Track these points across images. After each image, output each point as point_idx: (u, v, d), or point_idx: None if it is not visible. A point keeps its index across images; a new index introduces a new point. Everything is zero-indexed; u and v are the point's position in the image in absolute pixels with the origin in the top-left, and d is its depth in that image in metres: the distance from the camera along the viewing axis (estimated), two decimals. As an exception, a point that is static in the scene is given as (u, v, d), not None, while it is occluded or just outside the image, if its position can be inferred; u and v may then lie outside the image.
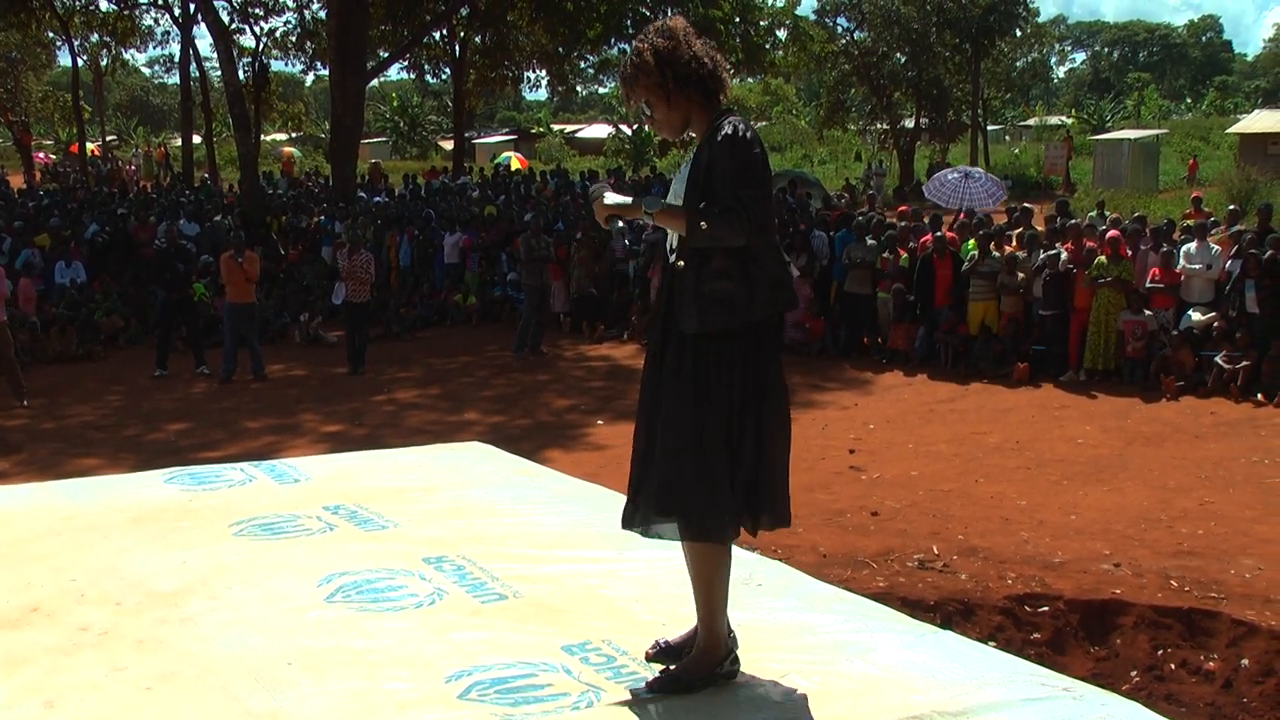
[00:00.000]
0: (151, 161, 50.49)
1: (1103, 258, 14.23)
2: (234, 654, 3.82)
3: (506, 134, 64.94)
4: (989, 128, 51.49)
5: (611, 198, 3.59)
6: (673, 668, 3.62)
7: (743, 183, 3.44)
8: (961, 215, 18.47)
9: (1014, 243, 15.62)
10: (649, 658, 3.70)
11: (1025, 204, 19.83)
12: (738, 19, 31.95)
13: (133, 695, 3.55)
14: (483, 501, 5.69)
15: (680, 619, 3.82)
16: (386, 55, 32.92)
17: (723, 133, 3.47)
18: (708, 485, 3.47)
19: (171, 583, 4.47)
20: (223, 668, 3.72)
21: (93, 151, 45.01)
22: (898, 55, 42.61)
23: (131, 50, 44.22)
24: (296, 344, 18.59)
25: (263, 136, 39.50)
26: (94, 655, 3.83)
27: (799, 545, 8.37)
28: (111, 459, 11.46)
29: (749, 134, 3.48)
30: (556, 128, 69.92)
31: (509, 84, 40.20)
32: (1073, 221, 16.31)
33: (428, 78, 42.39)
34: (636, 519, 3.62)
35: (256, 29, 36.19)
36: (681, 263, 3.52)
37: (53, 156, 52.57)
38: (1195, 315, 14.09)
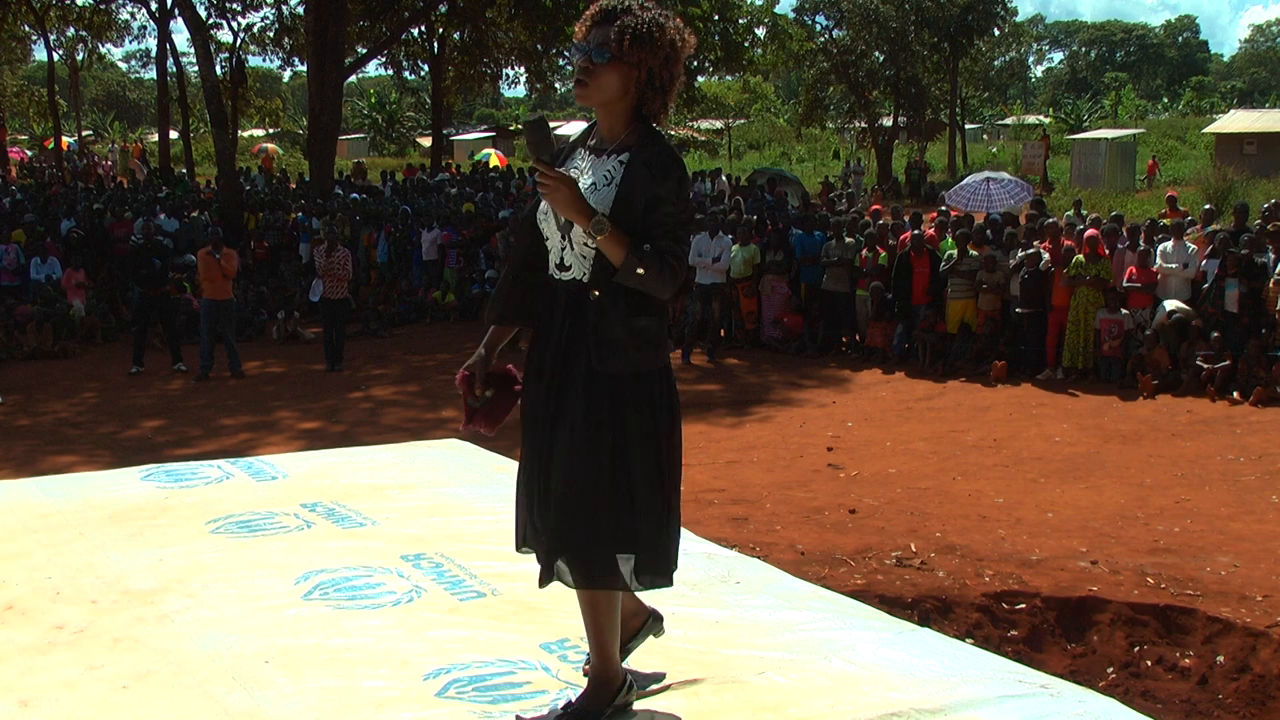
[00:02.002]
0: (128, 157, 50.21)
1: (1081, 256, 14.29)
2: (211, 652, 3.79)
3: (485, 131, 64.81)
4: (967, 126, 51.78)
5: (574, 196, 3.14)
6: (573, 701, 3.37)
7: (683, 235, 3.24)
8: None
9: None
10: None
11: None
12: (716, 16, 31.97)
13: (109, 694, 3.52)
14: (460, 499, 5.68)
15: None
16: (365, 51, 32.84)
17: (669, 160, 3.20)
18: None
19: (148, 581, 4.44)
20: (200, 666, 3.69)
21: (64, 146, 44.76)
22: (876, 54, 42.73)
23: (108, 45, 44.02)
24: (274, 341, 18.51)
25: (240, 132, 39.34)
26: (69, 654, 3.80)
27: (777, 543, 8.38)
28: (87, 456, 11.39)
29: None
30: (535, 125, 69.74)
31: (487, 81, 40.15)
32: (1050, 220, 16.39)
33: (406, 74, 42.30)
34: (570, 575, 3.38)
35: (234, 24, 36.13)
36: (598, 291, 3.18)
37: (28, 152, 52.22)
38: (1172, 304, 14.08)
